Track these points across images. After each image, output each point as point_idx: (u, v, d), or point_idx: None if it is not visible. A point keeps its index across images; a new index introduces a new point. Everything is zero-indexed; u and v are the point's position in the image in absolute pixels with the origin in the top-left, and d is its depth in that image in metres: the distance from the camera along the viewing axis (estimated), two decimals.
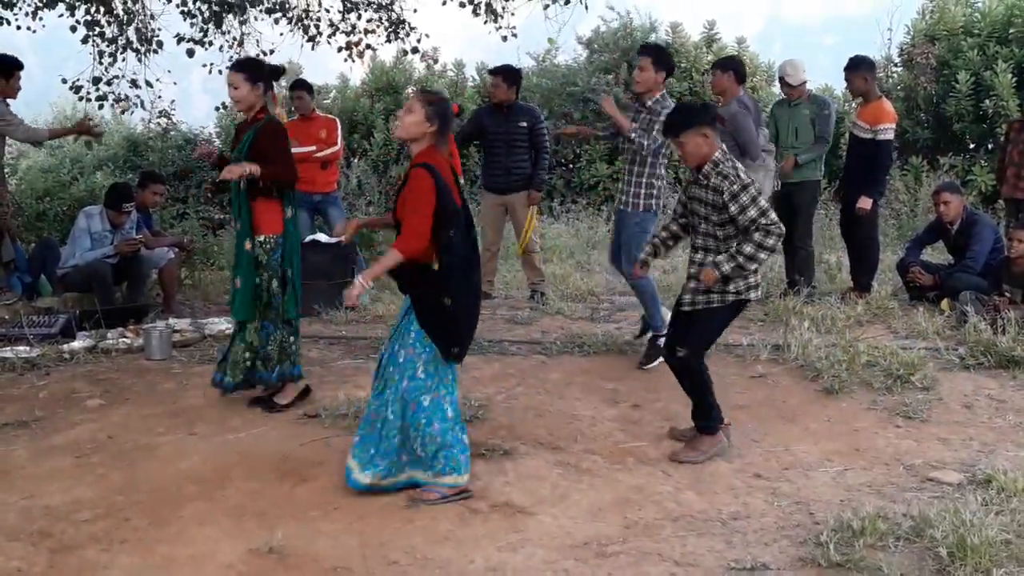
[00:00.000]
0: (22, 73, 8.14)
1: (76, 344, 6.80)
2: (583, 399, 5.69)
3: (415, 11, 11.56)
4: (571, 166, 14.34)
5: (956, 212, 7.80)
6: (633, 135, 6.13)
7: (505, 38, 11.18)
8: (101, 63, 10.71)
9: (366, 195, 13.55)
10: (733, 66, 7.63)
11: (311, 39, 11.48)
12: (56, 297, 8.13)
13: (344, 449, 4.79)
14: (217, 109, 14.70)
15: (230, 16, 10.92)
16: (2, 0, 9.84)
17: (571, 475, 4.61)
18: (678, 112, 4.91)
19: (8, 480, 4.51)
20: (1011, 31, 12.91)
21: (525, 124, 8.19)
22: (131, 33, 10.76)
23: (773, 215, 4.64)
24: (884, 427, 5.24)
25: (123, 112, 11.50)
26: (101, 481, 4.50)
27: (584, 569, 3.71)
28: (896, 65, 14.37)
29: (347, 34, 11.57)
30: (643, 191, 6.26)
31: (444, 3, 10.78)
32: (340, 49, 11.64)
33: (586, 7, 10.69)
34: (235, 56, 11.31)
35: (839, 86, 12.96)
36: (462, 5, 10.82)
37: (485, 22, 10.93)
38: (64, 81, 10.68)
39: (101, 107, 10.98)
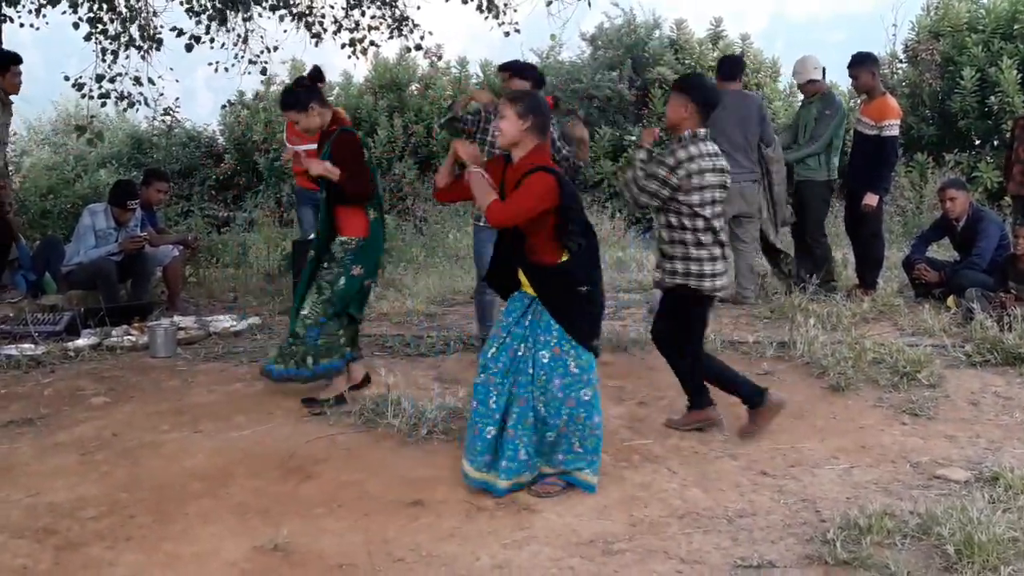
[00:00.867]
0: (22, 68, 8.12)
1: (81, 342, 6.80)
2: None
3: (418, 8, 11.57)
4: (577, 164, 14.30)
5: (962, 209, 7.78)
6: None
7: (507, 34, 11.18)
8: (104, 60, 10.70)
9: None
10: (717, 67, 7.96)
11: (315, 36, 11.48)
12: (61, 295, 8.13)
13: (349, 446, 4.80)
14: (223, 107, 14.73)
15: (234, 13, 10.91)
16: None
17: None
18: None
19: (13, 477, 4.51)
20: (1016, 27, 12.88)
21: None
22: (134, 30, 10.75)
23: (653, 186, 4.81)
24: (890, 424, 5.22)
25: (126, 109, 11.49)
26: (106, 478, 4.50)
27: (590, 567, 3.70)
28: (901, 61, 14.34)
29: (351, 31, 11.57)
30: None
31: (448, 0, 10.77)
32: (344, 46, 11.64)
33: (589, 3, 10.69)
34: (239, 53, 11.32)
35: (844, 83, 12.94)
36: (464, 1, 10.81)
37: (487, 18, 10.93)
38: (67, 78, 10.67)
39: (104, 104, 10.99)
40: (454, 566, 3.71)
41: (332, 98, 16.34)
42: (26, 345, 6.66)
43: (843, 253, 9.16)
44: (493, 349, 4.35)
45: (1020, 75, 12.24)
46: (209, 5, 10.88)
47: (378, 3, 11.45)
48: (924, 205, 11.64)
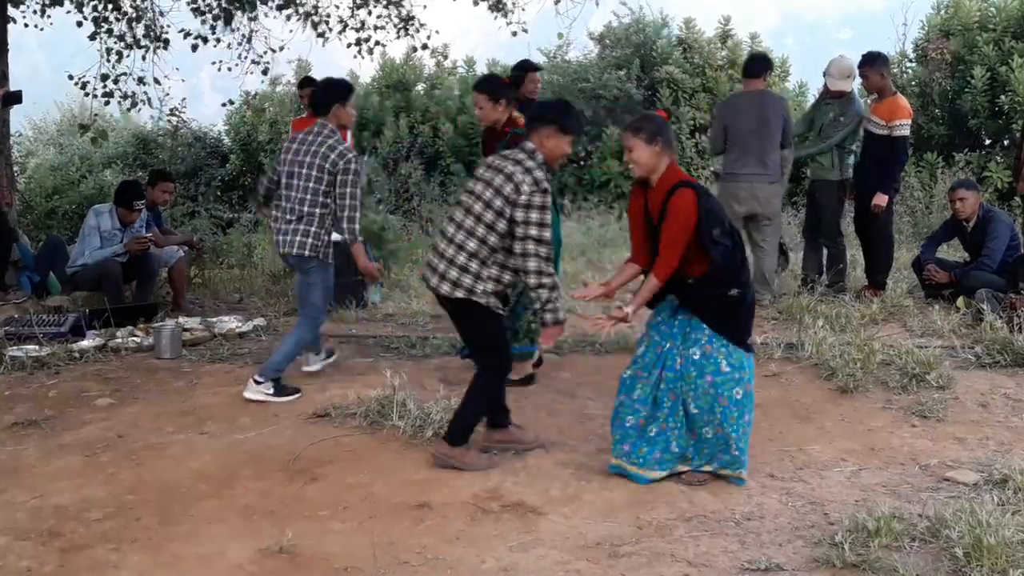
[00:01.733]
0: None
1: (86, 343, 6.79)
2: (595, 399, 5.66)
3: (425, 7, 11.60)
4: (582, 163, 14.30)
5: (972, 209, 7.74)
6: None
7: (515, 33, 11.19)
8: (108, 60, 10.73)
9: (376, 193, 13.54)
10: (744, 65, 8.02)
11: (320, 35, 11.49)
12: (66, 296, 8.13)
13: (354, 448, 4.78)
14: (223, 105, 14.75)
15: (240, 13, 10.93)
16: None
17: (583, 475, 4.58)
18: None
19: (18, 479, 4.50)
20: None
21: None
22: (139, 30, 10.78)
23: None
24: (899, 426, 5.19)
25: (130, 109, 11.52)
26: (111, 480, 4.49)
27: (596, 570, 3.68)
28: (911, 61, 14.29)
29: (357, 31, 11.57)
30: None
31: None
32: (350, 46, 11.65)
33: (597, 3, 10.69)
34: (244, 53, 11.34)
35: (855, 81, 12.91)
36: (475, 3, 10.81)
37: (495, 17, 10.93)
38: (71, 77, 10.70)
39: (107, 103, 11.01)
40: (459, 569, 3.70)
41: None
42: (31, 346, 6.64)
43: (851, 254, 9.13)
44: (643, 347, 4.52)
45: None
46: (215, 5, 10.89)
47: (384, 2, 11.45)
48: (934, 205, 11.60)
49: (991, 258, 7.51)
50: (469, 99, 15.67)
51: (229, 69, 11.25)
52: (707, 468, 4.48)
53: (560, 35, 14.36)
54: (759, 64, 7.93)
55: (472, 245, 4.50)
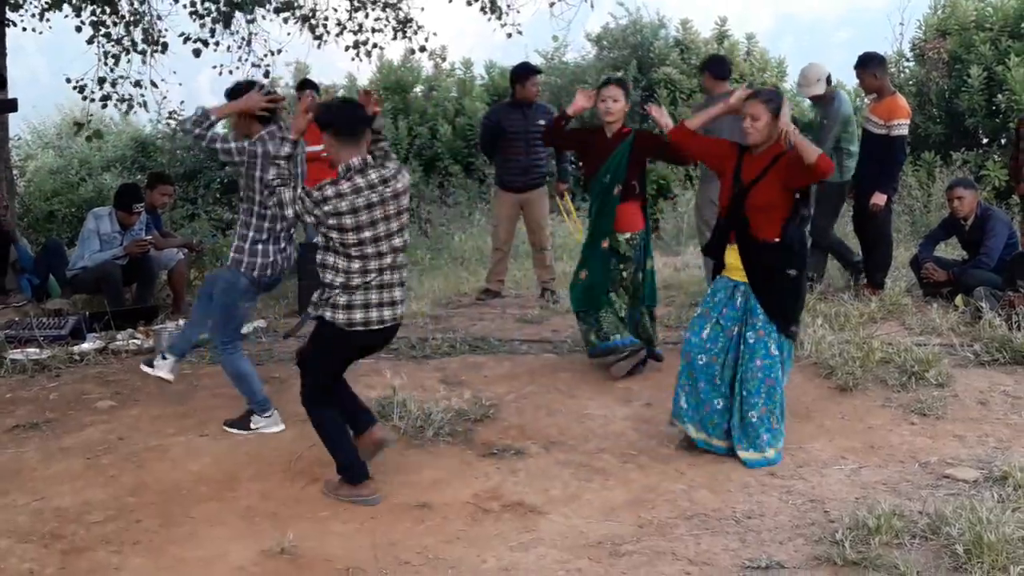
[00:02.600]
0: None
1: (86, 346, 6.79)
2: (595, 398, 5.67)
3: (422, 10, 11.57)
4: (581, 165, 14.31)
5: (970, 208, 7.74)
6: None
7: (510, 35, 11.17)
8: (106, 64, 10.73)
9: None
10: (707, 66, 7.99)
11: (318, 38, 11.49)
12: (66, 299, 8.14)
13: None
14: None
15: (238, 16, 10.93)
16: (8, 2, 9.85)
17: (583, 474, 4.59)
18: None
19: (19, 482, 4.52)
20: (1023, 25, 12.83)
21: (544, 122, 8.18)
22: (137, 34, 10.78)
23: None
24: (899, 424, 5.20)
25: (127, 113, 11.52)
26: (112, 482, 4.50)
27: (598, 569, 3.69)
28: (908, 60, 14.30)
29: (354, 33, 11.57)
30: None
31: (450, 1, 10.77)
32: (347, 48, 11.65)
33: (592, 5, 10.68)
34: (243, 56, 11.34)
35: (851, 82, 12.92)
36: (468, 3, 10.81)
37: (489, 19, 10.93)
38: (68, 80, 10.70)
39: (105, 107, 11.01)
40: (460, 569, 3.71)
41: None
42: (32, 349, 6.65)
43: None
44: (706, 331, 4.74)
45: None
46: (213, 8, 10.89)
47: (381, 5, 11.46)
48: (932, 204, 11.60)
49: (989, 256, 7.50)
50: (467, 101, 15.74)
51: (230, 72, 11.24)
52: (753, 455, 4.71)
53: (555, 38, 14.37)
54: (727, 66, 8.05)
55: None
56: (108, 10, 10.58)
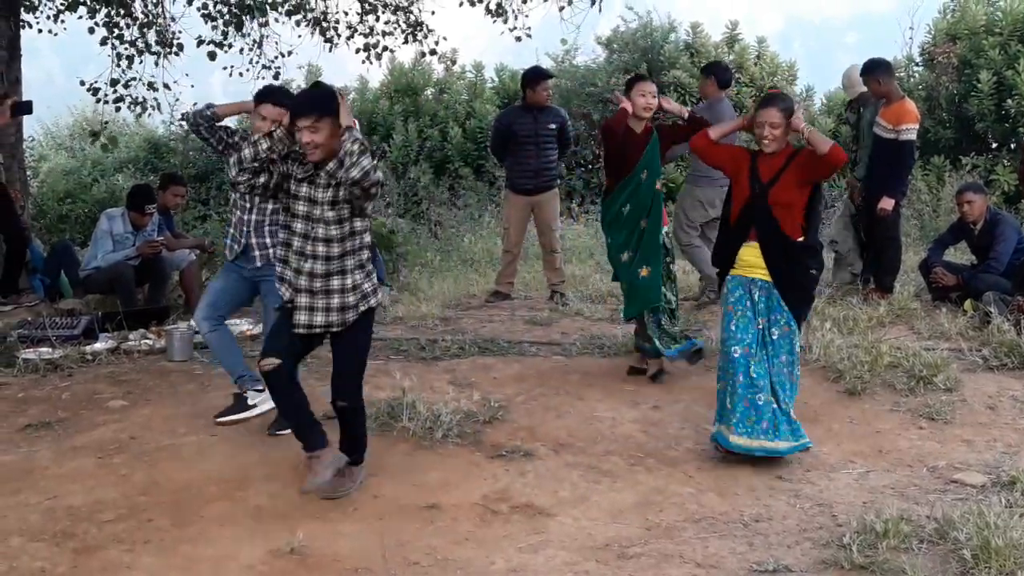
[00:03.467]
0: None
1: (98, 345, 6.83)
2: (603, 400, 5.68)
3: (433, 13, 11.59)
4: (591, 167, 14.33)
5: (979, 212, 7.74)
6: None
7: (519, 39, 11.18)
8: (119, 66, 10.78)
9: (385, 196, 13.58)
10: (714, 71, 8.06)
11: (329, 41, 11.53)
12: (78, 299, 8.18)
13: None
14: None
15: (250, 19, 10.98)
16: (24, 3, 9.91)
17: (592, 476, 4.60)
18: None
19: (32, 481, 4.54)
20: None
21: (555, 126, 8.23)
22: (151, 36, 10.83)
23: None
24: (907, 428, 5.20)
25: (140, 115, 11.57)
26: (124, 482, 4.52)
27: (605, 571, 3.70)
28: (917, 64, 14.28)
29: (365, 36, 11.60)
30: None
31: (461, 4, 10.79)
32: (358, 51, 11.68)
33: (600, 8, 10.68)
34: (255, 59, 11.39)
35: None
36: (472, 4, 10.83)
37: (495, 22, 10.94)
38: (82, 83, 10.76)
39: (118, 109, 11.07)
40: (469, 570, 3.72)
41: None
42: (44, 349, 6.69)
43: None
44: (734, 324, 4.77)
45: None
46: (225, 11, 10.95)
47: (392, 8, 11.49)
48: (941, 208, 11.58)
49: (998, 261, 7.50)
50: (478, 103, 15.77)
51: (240, 75, 11.29)
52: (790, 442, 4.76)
53: (563, 41, 14.37)
54: (731, 75, 8.21)
55: None
56: (122, 12, 10.63)
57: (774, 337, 4.79)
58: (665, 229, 6.06)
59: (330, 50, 11.63)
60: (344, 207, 4.21)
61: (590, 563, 3.75)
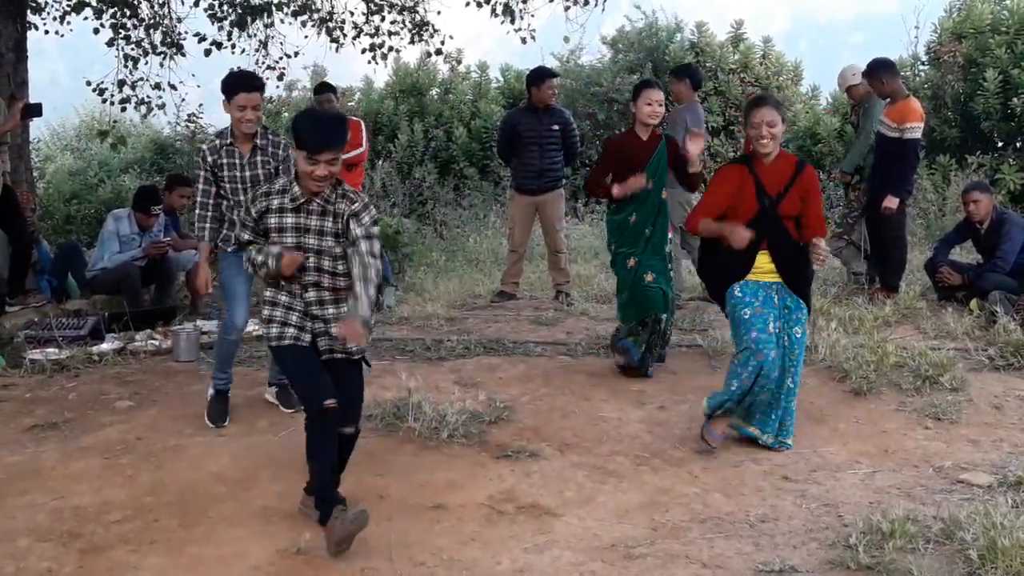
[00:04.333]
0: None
1: (105, 346, 6.85)
2: (609, 400, 5.68)
3: (439, 13, 11.60)
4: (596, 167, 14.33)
5: (986, 211, 7.73)
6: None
7: (524, 40, 11.19)
8: (126, 66, 10.81)
9: (390, 196, 13.59)
10: (688, 74, 8.19)
11: (335, 41, 11.54)
12: (85, 299, 8.20)
13: (370, 450, 4.80)
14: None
15: (255, 19, 10.99)
16: (30, 5, 9.94)
17: (597, 477, 4.61)
18: None
19: (39, 481, 4.55)
20: None
21: (558, 127, 8.24)
22: (156, 37, 10.85)
23: None
24: (913, 428, 5.20)
25: (145, 115, 11.60)
26: (130, 482, 4.53)
27: (611, 571, 3.70)
28: (923, 63, 14.25)
29: (371, 36, 11.61)
30: None
31: (467, 4, 10.80)
32: (364, 51, 11.69)
33: (603, 8, 10.69)
34: (260, 59, 11.40)
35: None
36: (479, 5, 10.84)
37: (502, 22, 10.95)
38: (88, 84, 10.79)
39: (124, 109, 11.10)
40: (475, 570, 3.73)
41: (353, 103, 16.40)
42: (51, 349, 6.71)
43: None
44: (760, 324, 4.77)
45: None
46: (231, 11, 10.96)
47: (398, 9, 11.50)
48: (947, 208, 11.57)
49: (1004, 260, 7.49)
50: (483, 103, 15.77)
51: None
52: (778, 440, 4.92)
53: (566, 39, 14.35)
54: (703, 75, 8.31)
55: None
56: (128, 12, 10.65)
57: (797, 336, 4.87)
58: (670, 236, 6.11)
59: (336, 50, 11.65)
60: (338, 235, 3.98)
61: (596, 563, 3.76)
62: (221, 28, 11.02)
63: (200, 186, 5.19)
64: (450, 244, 12.04)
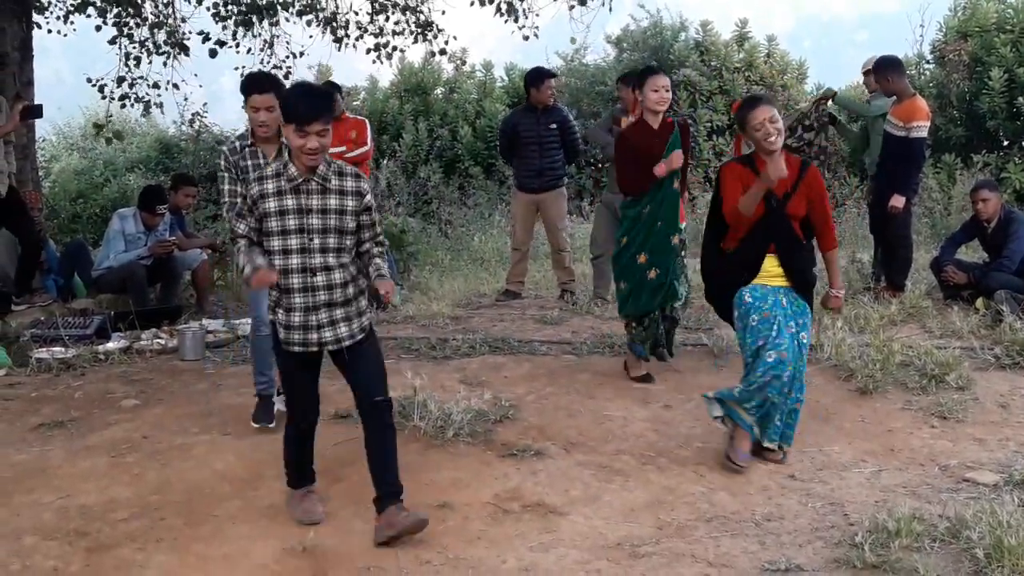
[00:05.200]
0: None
1: (111, 345, 6.87)
2: (614, 399, 5.68)
3: (443, 13, 11.62)
4: (600, 166, 14.33)
5: (994, 210, 7.72)
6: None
7: (527, 38, 11.20)
8: (127, 65, 10.84)
9: (395, 196, 13.60)
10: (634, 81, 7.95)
11: (339, 41, 11.56)
12: (91, 298, 8.22)
13: None
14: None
15: (260, 19, 11.01)
16: (34, 4, 9.96)
17: (603, 475, 4.60)
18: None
19: (45, 479, 4.56)
20: None
21: (555, 126, 8.24)
22: (160, 37, 10.88)
23: None
24: (919, 427, 5.19)
25: (144, 113, 11.63)
26: (136, 481, 4.54)
27: (617, 570, 3.70)
28: (928, 62, 14.24)
29: (375, 36, 11.63)
30: None
31: (472, 3, 10.80)
32: (368, 51, 11.71)
33: (610, 8, 10.69)
34: (266, 59, 11.42)
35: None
36: (482, 3, 10.85)
37: (506, 21, 10.96)
38: (89, 80, 10.82)
39: (124, 106, 11.13)
40: (480, 569, 3.73)
41: (358, 102, 16.41)
42: (57, 348, 6.73)
43: (871, 255, 9.11)
44: (774, 329, 4.64)
45: None
46: (235, 11, 10.98)
47: (402, 8, 11.51)
48: (952, 206, 11.56)
49: (1011, 259, 7.48)
50: (487, 103, 15.78)
51: None
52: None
53: (573, 40, 14.37)
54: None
55: None
56: (131, 12, 10.67)
57: (804, 340, 4.75)
58: (683, 225, 5.95)
59: (340, 50, 11.67)
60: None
61: (602, 562, 3.76)
62: (225, 28, 11.04)
63: (226, 187, 5.08)
64: (455, 243, 12.05)
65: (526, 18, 11.05)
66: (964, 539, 3.70)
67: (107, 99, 10.95)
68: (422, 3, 11.55)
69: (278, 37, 11.46)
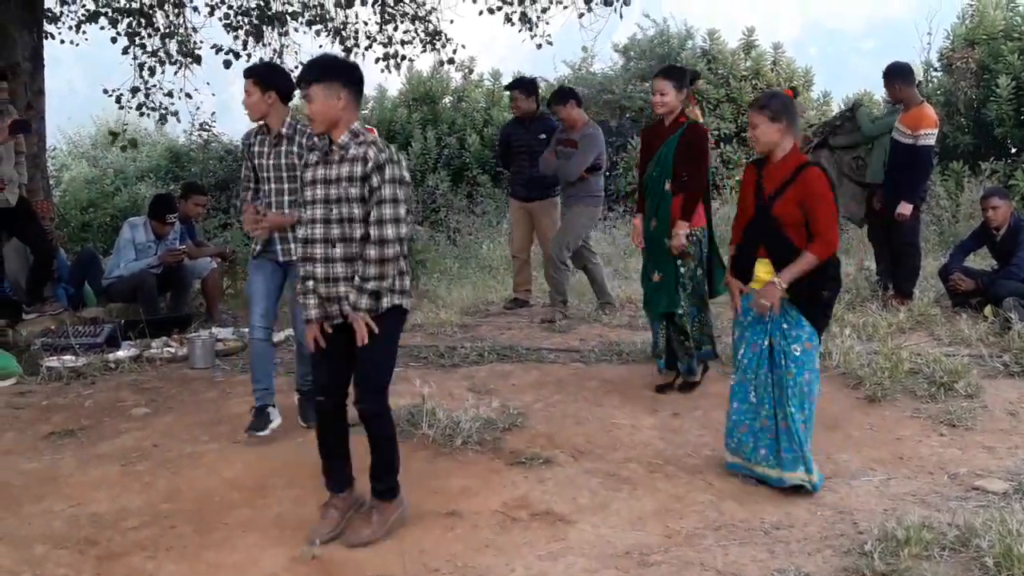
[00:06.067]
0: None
1: (121, 353, 6.89)
2: (622, 407, 5.68)
3: (451, 22, 11.66)
4: (608, 174, 14.35)
5: (1004, 217, 7.71)
6: None
7: (540, 46, 11.25)
8: (142, 76, 10.91)
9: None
10: (572, 96, 7.99)
11: (348, 50, 11.61)
12: (101, 307, 8.25)
13: None
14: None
15: (270, 29, 11.08)
16: (47, 14, 10.02)
17: (611, 484, 4.60)
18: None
19: (56, 488, 4.57)
20: None
21: (544, 136, 8.23)
22: (172, 46, 10.94)
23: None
24: (928, 435, 5.18)
25: (159, 122, 11.70)
26: (147, 489, 4.56)
27: None
28: (936, 70, 14.23)
29: (384, 46, 11.68)
30: None
31: (481, 13, 10.85)
32: (377, 60, 11.75)
33: (620, 15, 10.71)
34: None
35: (878, 91, 12.88)
36: (491, 11, 10.89)
37: (520, 30, 11.00)
38: (105, 91, 10.89)
39: (142, 114, 11.20)
40: None
41: (367, 111, 16.47)
42: (67, 357, 6.75)
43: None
44: (741, 349, 4.54)
45: None
46: (246, 21, 11.04)
47: (411, 18, 11.56)
48: (960, 214, 11.53)
49: (1019, 267, 7.46)
50: (495, 111, 15.82)
51: None
52: (789, 477, 4.47)
53: (584, 48, 14.41)
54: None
55: None
56: (144, 22, 10.74)
57: (796, 354, 4.40)
58: (699, 229, 5.82)
59: (349, 60, 11.71)
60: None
61: (610, 570, 3.76)
62: (236, 37, 11.10)
63: (243, 172, 5.43)
64: (463, 251, 12.06)
65: (538, 27, 11.10)
66: (973, 547, 3.69)
67: (123, 108, 11.02)
68: (430, 13, 11.60)
69: (287, 47, 11.51)
